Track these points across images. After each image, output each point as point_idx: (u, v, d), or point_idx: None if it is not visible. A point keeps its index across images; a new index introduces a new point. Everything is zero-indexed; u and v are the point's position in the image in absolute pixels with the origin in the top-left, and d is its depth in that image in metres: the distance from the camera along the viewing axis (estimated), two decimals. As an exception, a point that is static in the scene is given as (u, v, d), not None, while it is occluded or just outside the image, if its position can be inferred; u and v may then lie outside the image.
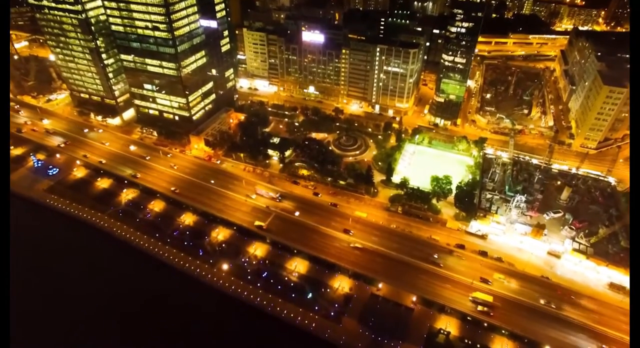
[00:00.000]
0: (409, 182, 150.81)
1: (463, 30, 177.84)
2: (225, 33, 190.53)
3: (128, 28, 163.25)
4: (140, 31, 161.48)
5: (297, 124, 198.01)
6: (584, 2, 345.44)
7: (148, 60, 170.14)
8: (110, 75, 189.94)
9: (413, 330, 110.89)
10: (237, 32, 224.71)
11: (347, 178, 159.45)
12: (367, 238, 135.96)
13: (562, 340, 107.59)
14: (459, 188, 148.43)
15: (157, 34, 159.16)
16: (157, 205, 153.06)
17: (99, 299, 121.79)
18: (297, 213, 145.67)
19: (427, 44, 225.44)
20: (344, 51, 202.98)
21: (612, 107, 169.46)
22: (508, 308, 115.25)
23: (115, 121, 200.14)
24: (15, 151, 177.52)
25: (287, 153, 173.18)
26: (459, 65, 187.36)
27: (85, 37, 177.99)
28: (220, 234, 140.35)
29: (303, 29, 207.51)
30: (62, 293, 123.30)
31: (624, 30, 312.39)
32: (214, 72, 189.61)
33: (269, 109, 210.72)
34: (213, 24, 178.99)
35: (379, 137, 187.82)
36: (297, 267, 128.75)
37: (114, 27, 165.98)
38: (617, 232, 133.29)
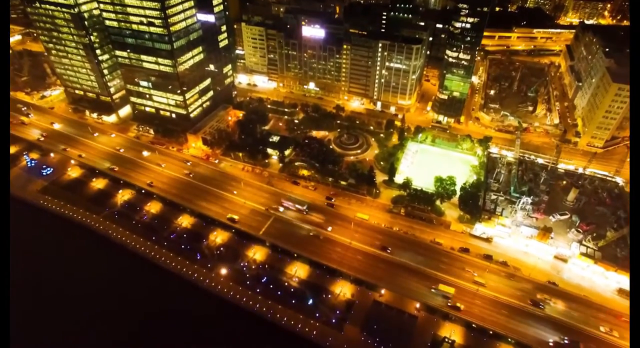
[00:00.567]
0: (411, 182, 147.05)
1: (468, 25, 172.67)
2: (223, 28, 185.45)
3: (122, 23, 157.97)
4: (134, 27, 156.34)
5: (297, 121, 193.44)
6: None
7: (143, 57, 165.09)
8: (105, 71, 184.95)
9: (417, 338, 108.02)
10: (235, 26, 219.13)
11: (348, 178, 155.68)
12: (370, 243, 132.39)
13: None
14: (463, 189, 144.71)
15: (152, 29, 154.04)
16: (153, 207, 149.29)
17: (93, 304, 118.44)
18: (329, 229, 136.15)
19: (430, 38, 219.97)
20: (345, 46, 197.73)
21: (621, 105, 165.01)
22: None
23: (111, 118, 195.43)
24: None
25: (287, 152, 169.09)
26: (463, 62, 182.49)
27: (78, 32, 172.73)
28: (218, 237, 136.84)
29: (303, 23, 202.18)
30: (56, 298, 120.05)
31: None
32: (211, 67, 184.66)
33: (269, 106, 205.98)
34: (210, 18, 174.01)
35: (381, 135, 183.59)
36: (298, 271, 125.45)
37: (107, 22, 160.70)
38: (625, 235, 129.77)
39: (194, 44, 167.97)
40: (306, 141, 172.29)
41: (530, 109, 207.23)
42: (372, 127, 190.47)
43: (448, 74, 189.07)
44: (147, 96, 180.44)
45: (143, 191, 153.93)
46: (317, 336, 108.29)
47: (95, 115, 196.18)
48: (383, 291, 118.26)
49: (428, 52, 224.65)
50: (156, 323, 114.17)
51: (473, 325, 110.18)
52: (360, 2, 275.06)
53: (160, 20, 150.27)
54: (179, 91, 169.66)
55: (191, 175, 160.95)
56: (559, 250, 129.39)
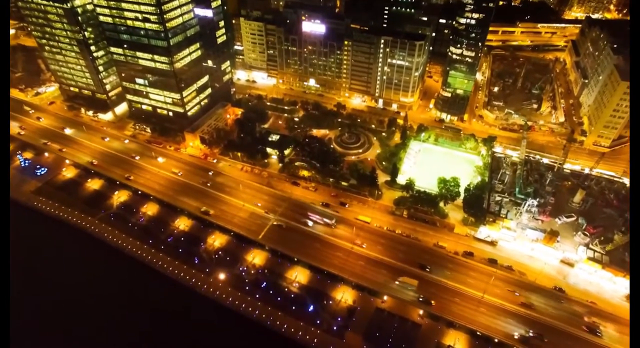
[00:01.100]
0: (414, 183, 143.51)
1: (473, 21, 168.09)
2: (221, 23, 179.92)
3: (117, 19, 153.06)
4: (129, 23, 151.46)
5: (297, 119, 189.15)
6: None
7: (139, 54, 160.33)
8: (101, 68, 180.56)
9: (420, 346, 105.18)
10: (233, 21, 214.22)
11: (349, 179, 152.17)
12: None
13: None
14: (467, 190, 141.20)
15: (147, 25, 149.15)
16: (150, 209, 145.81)
17: (86, 310, 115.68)
18: (364, 246, 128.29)
19: (433, 34, 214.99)
20: (346, 42, 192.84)
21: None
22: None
23: (107, 116, 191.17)
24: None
25: (287, 152, 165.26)
26: (467, 59, 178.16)
27: (72, 28, 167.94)
28: (216, 241, 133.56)
29: (303, 18, 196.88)
30: (49, 303, 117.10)
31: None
32: (209, 64, 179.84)
33: (268, 104, 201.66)
34: (208, 13, 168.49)
35: (383, 134, 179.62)
36: (298, 276, 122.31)
37: (101, 18, 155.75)
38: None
39: (191, 40, 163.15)
40: (306, 140, 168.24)
41: (535, 106, 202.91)
42: (373, 126, 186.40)
43: (451, 71, 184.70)
44: (144, 94, 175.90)
45: (139, 192, 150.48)
46: (318, 344, 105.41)
47: (91, 113, 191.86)
48: (385, 297, 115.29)
49: (431, 48, 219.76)
50: (152, 330, 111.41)
51: (478, 333, 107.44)
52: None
53: (155, 16, 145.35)
54: (176, 89, 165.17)
55: (179, 174, 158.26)
56: (565, 254, 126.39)
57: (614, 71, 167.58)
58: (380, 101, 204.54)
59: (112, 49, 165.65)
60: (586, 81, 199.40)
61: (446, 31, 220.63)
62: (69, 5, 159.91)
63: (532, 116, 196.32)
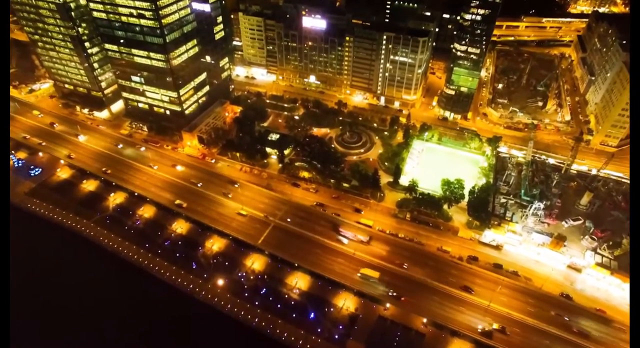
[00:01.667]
0: (417, 185, 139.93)
1: (478, 17, 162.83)
2: (219, 18, 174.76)
3: (111, 15, 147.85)
4: (124, 19, 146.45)
5: (297, 117, 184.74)
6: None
7: (135, 51, 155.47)
8: (95, 65, 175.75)
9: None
10: (232, 16, 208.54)
11: (351, 180, 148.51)
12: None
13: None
14: (472, 193, 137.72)
15: (142, 22, 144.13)
16: (147, 211, 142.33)
17: (81, 315, 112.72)
18: (405, 266, 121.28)
19: (436, 29, 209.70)
20: (347, 38, 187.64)
21: None
22: None
23: (103, 114, 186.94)
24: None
25: (287, 152, 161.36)
26: (472, 55, 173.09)
27: (65, 23, 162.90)
28: (215, 245, 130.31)
29: (303, 13, 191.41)
30: (44, 307, 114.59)
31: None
32: (207, 59, 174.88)
33: (267, 101, 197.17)
34: (205, 8, 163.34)
35: (385, 133, 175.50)
36: (298, 282, 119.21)
37: (95, 14, 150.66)
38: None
39: (188, 36, 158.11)
40: (307, 139, 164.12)
41: (540, 104, 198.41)
42: (375, 124, 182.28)
43: (455, 67, 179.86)
44: (140, 92, 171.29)
45: (136, 194, 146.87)
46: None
47: (86, 110, 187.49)
48: (388, 305, 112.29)
49: (434, 44, 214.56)
50: (148, 337, 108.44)
51: (482, 342, 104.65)
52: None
53: (151, 12, 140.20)
54: (172, 87, 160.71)
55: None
56: (573, 260, 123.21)
57: (623, 68, 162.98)
58: (382, 99, 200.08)
59: (107, 46, 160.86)
60: (593, 78, 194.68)
61: (450, 26, 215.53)
62: (61, 0, 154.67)
63: (538, 114, 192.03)
